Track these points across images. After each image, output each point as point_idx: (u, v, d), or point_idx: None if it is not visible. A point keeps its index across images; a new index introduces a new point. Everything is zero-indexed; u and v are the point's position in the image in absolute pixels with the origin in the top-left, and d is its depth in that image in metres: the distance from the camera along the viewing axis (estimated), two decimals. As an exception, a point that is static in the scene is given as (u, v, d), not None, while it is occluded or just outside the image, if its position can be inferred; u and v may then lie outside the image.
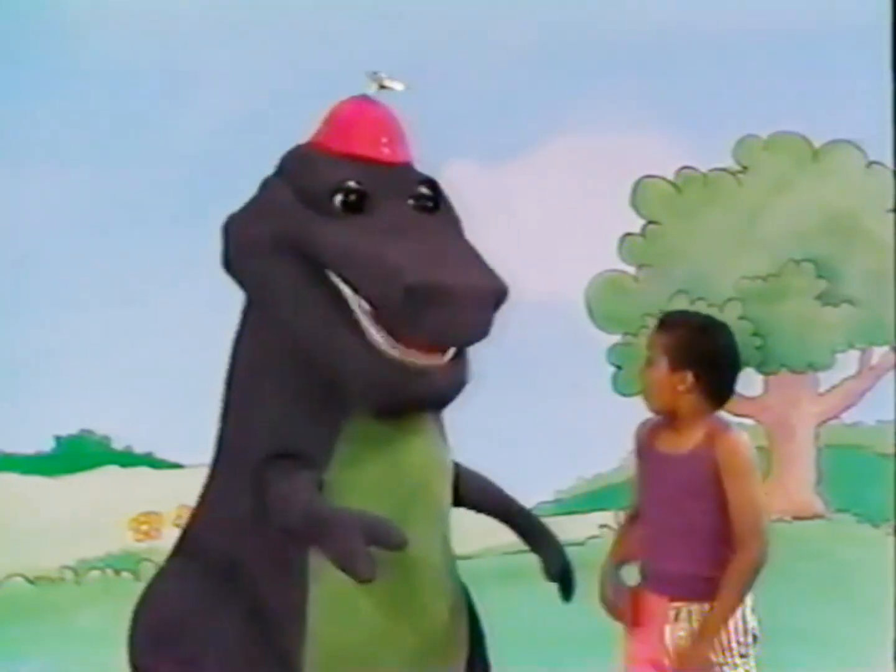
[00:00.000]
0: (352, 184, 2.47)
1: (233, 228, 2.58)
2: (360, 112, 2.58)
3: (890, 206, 4.06)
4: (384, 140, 2.55)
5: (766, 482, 2.71)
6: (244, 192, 2.62)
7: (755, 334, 4.05)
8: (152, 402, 3.80)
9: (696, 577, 2.58)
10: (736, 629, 2.59)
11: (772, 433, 4.11)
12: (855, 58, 3.96)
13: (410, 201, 2.53)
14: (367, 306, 2.39)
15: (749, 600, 2.60)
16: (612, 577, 2.70)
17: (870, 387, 4.12)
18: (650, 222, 4.10)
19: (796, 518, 4.06)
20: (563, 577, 2.71)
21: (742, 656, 2.60)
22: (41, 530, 3.92)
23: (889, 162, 4.04)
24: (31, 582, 3.99)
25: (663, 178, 4.09)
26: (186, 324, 3.74)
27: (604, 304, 4.07)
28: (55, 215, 3.88)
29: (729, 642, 2.59)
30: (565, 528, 3.93)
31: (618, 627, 2.71)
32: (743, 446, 2.59)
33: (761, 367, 4.09)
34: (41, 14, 3.90)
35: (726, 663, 2.59)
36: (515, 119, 3.89)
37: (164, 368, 3.80)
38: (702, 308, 3.80)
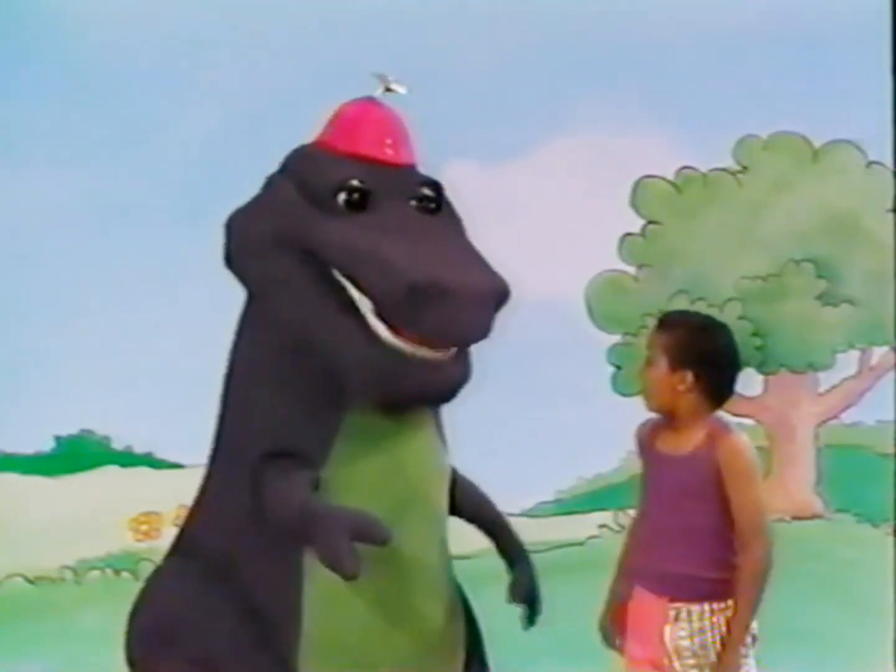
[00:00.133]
0: (355, 182, 2.47)
1: (235, 225, 2.59)
2: (365, 113, 2.58)
3: (890, 206, 4.06)
4: (388, 141, 2.56)
5: (766, 482, 2.71)
6: (245, 192, 2.62)
7: (755, 334, 4.05)
8: (152, 402, 3.80)
9: (696, 578, 2.58)
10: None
11: (772, 433, 4.11)
12: (855, 58, 3.96)
13: (413, 202, 2.54)
14: (369, 303, 2.39)
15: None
16: (618, 594, 2.71)
17: (870, 387, 4.12)
18: (650, 222, 4.10)
19: (796, 518, 4.05)
20: (529, 601, 2.72)
21: (742, 657, 2.61)
22: (41, 530, 3.92)
23: (889, 162, 4.03)
24: (31, 582, 3.99)
25: (663, 178, 4.08)
26: (186, 324, 3.74)
27: (604, 304, 4.07)
28: (55, 215, 3.87)
29: (729, 642, 2.60)
30: (565, 528, 3.98)
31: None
32: (744, 447, 2.60)
33: (761, 367, 4.09)
34: (41, 14, 3.90)
35: (713, 664, 2.60)
36: (516, 119, 3.89)
37: (164, 368, 3.80)
38: (702, 308, 3.80)
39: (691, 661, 2.59)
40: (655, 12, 3.91)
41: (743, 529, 2.56)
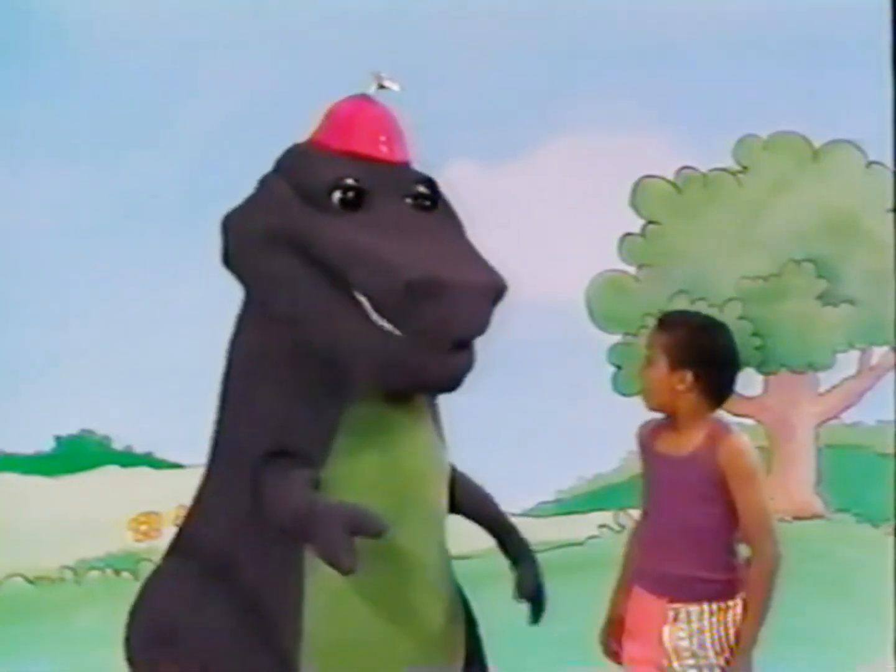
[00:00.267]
0: (350, 181, 2.47)
1: (231, 224, 2.59)
2: (359, 110, 2.58)
3: (890, 206, 4.06)
4: (383, 138, 2.55)
5: (767, 482, 2.71)
6: (243, 191, 2.62)
7: (755, 334, 4.05)
8: (152, 402, 3.79)
9: (695, 579, 2.59)
10: (736, 629, 2.60)
11: (772, 433, 4.11)
12: (855, 58, 3.95)
13: (408, 200, 2.54)
14: (367, 302, 2.39)
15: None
16: (619, 606, 2.72)
17: (870, 387, 4.12)
18: (650, 222, 4.10)
19: (796, 518, 4.05)
20: (534, 598, 2.72)
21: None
22: (41, 530, 3.92)
23: (889, 162, 4.03)
24: (31, 582, 3.99)
25: (663, 178, 4.08)
26: (186, 324, 3.74)
27: (604, 304, 4.07)
28: (55, 215, 3.87)
29: (728, 642, 2.60)
30: (565, 528, 3.97)
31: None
32: (746, 448, 2.60)
33: (761, 367, 4.09)
34: (41, 14, 3.90)
35: (726, 663, 2.60)
36: (515, 119, 3.89)
37: (163, 368, 3.80)
38: (702, 308, 3.80)
39: (690, 662, 2.59)
40: (655, 12, 3.91)
41: (750, 530, 2.57)
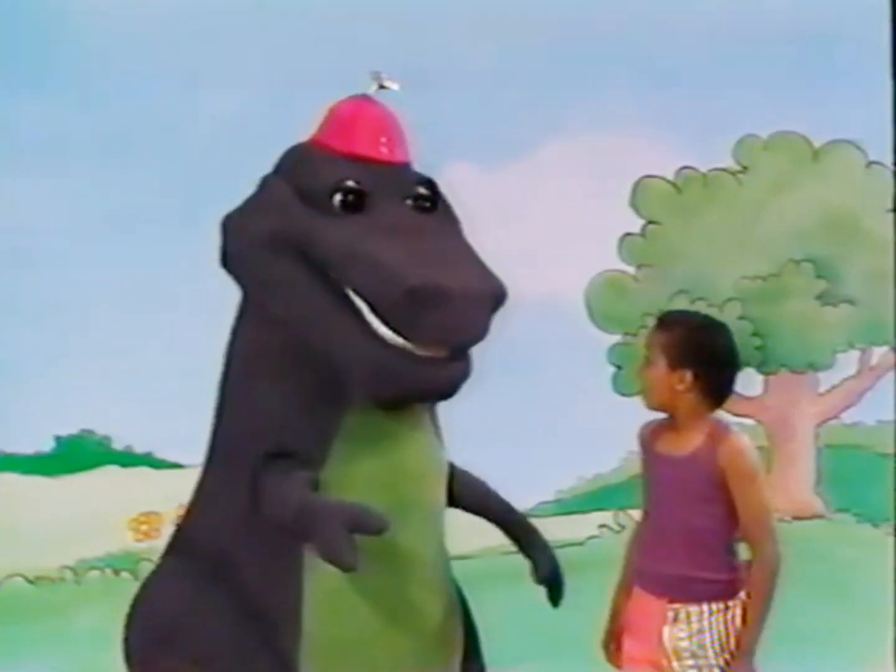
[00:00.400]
0: (351, 183, 2.47)
1: (231, 225, 2.58)
2: (359, 111, 2.58)
3: (890, 206, 4.05)
4: (383, 140, 2.55)
5: (767, 482, 2.71)
6: (243, 192, 2.62)
7: (755, 334, 4.05)
8: (152, 402, 3.79)
9: (695, 579, 2.59)
10: (735, 630, 2.60)
11: (772, 433, 4.11)
12: (855, 58, 3.95)
13: (409, 201, 2.54)
14: (366, 306, 2.39)
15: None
16: (621, 610, 2.72)
17: (870, 387, 4.12)
18: (650, 222, 4.10)
19: (796, 518, 4.05)
20: (552, 580, 2.72)
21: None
22: (41, 530, 3.92)
23: (889, 162, 4.03)
24: (31, 582, 3.99)
25: (663, 178, 4.08)
26: (186, 324, 3.74)
27: (604, 304, 4.07)
28: (55, 215, 3.87)
29: (728, 643, 2.60)
30: (565, 528, 3.97)
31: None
32: (746, 449, 2.60)
33: (761, 367, 4.09)
34: (42, 14, 3.90)
35: (725, 664, 2.60)
36: (515, 120, 3.88)
37: (163, 368, 3.80)
38: (702, 308, 3.80)
39: (690, 662, 2.59)
40: (655, 13, 3.90)
41: (750, 530, 2.57)
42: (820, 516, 4.12)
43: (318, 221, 2.44)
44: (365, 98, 2.59)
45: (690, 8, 3.91)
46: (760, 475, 2.62)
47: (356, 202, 2.47)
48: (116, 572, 3.97)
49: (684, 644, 2.59)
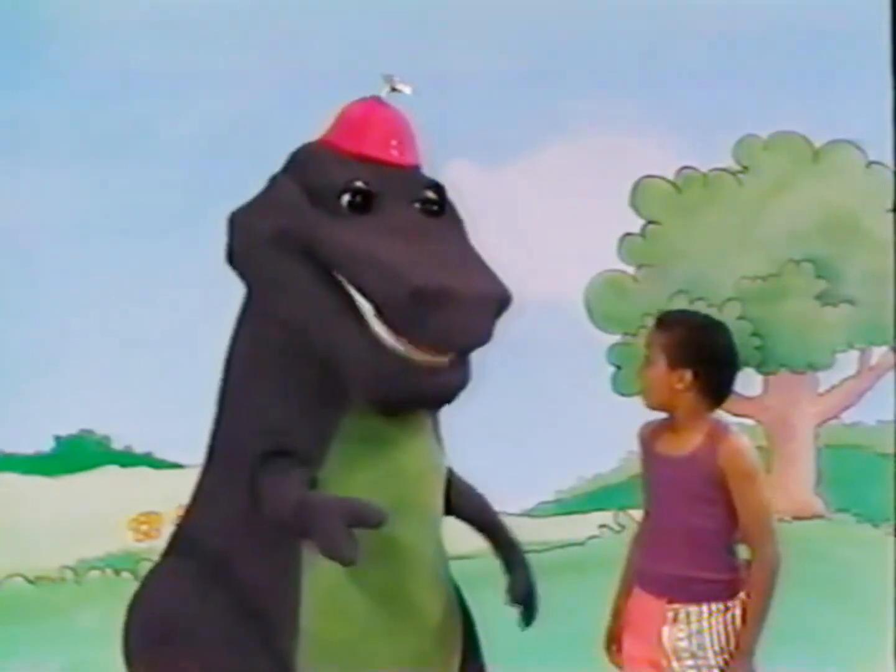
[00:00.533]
0: (359, 184, 2.47)
1: (238, 222, 2.58)
2: (371, 113, 2.58)
3: (890, 206, 4.05)
4: (394, 142, 2.55)
5: (767, 482, 2.71)
6: (245, 192, 2.62)
7: (755, 334, 4.05)
8: (152, 402, 3.79)
9: (695, 579, 2.59)
10: (735, 630, 2.60)
11: (772, 433, 4.11)
12: (855, 58, 3.95)
13: (417, 204, 2.54)
14: (371, 307, 2.39)
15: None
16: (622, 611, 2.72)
17: (870, 387, 4.12)
18: (650, 222, 4.10)
19: (796, 518, 4.05)
20: (526, 601, 2.72)
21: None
22: (41, 530, 3.92)
23: (889, 162, 4.03)
24: (31, 582, 3.99)
25: (663, 178, 4.08)
26: (186, 324, 3.74)
27: (604, 304, 4.07)
28: (55, 215, 3.87)
29: (727, 643, 2.60)
30: (565, 528, 3.97)
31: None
32: (745, 449, 2.60)
33: (761, 367, 4.09)
34: (41, 14, 3.90)
35: (725, 664, 2.60)
36: (516, 120, 3.89)
37: (163, 368, 3.80)
38: (702, 308, 3.80)
39: (689, 662, 2.59)
40: (655, 13, 3.91)
41: (750, 530, 2.57)
42: (820, 516, 4.12)
43: (325, 221, 2.44)
44: (377, 100, 2.58)
45: (690, 8, 3.91)
46: (760, 475, 2.62)
47: (364, 203, 2.47)
48: (117, 572, 3.98)
49: (684, 644, 2.59)
